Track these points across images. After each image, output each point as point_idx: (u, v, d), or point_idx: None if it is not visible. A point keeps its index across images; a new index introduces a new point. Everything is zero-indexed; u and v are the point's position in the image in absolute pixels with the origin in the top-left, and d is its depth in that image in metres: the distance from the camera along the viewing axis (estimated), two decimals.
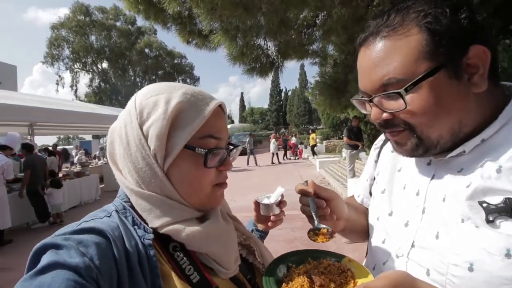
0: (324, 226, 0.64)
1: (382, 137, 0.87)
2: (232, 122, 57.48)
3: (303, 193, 0.68)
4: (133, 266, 0.47)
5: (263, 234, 0.94)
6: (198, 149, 0.55)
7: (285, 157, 17.86)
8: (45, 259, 0.41)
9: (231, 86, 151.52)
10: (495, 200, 0.50)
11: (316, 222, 0.64)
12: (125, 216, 0.55)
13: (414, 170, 0.69)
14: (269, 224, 0.88)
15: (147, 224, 0.54)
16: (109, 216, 0.53)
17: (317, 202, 0.67)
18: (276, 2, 3.32)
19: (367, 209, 0.85)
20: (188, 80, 38.30)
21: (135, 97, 0.59)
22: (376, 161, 0.87)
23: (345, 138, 7.94)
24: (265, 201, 0.86)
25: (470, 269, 0.50)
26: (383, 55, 0.55)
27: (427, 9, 0.52)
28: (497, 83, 0.58)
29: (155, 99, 0.56)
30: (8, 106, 5.36)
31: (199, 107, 0.56)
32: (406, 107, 0.54)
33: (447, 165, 0.61)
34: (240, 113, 66.46)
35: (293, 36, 4.42)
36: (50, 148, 10.07)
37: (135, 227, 0.53)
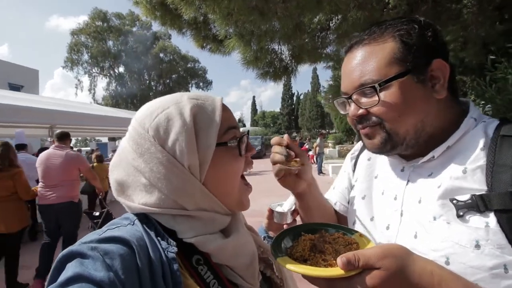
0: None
1: (357, 146, 0.94)
2: (244, 125, 57.81)
3: (277, 143, 0.75)
4: (156, 279, 0.45)
5: None
6: (230, 142, 0.56)
7: None
8: (70, 270, 0.40)
9: (242, 90, 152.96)
10: (464, 197, 0.57)
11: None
12: (148, 226, 0.52)
13: (390, 177, 0.75)
14: None
15: (170, 235, 0.52)
16: (132, 225, 0.52)
17: (288, 152, 0.74)
18: (291, 6, 3.31)
19: (336, 213, 0.92)
20: (201, 84, 38.85)
21: (137, 123, 0.55)
22: (353, 170, 0.91)
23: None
24: (279, 209, 0.86)
25: (447, 263, 0.55)
26: (362, 60, 0.65)
27: (401, 25, 0.64)
28: (455, 97, 0.68)
29: (164, 115, 0.53)
30: (30, 109, 5.59)
31: (210, 107, 0.57)
32: (379, 101, 0.62)
33: (419, 170, 0.69)
34: (252, 116, 66.74)
35: (306, 40, 4.40)
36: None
37: (158, 238, 0.51)
